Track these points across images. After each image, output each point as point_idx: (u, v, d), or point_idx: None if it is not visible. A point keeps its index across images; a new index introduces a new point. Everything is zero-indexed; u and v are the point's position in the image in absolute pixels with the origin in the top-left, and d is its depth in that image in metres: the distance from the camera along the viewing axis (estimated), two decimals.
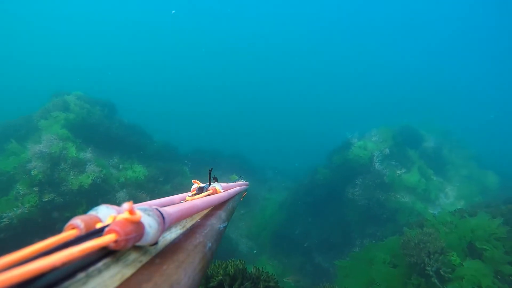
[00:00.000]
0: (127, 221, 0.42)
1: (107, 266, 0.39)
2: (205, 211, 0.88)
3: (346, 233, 9.62)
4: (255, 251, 10.14)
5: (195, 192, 1.03)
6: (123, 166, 8.91)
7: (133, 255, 0.45)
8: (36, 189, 7.28)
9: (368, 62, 53.59)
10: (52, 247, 0.36)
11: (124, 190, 7.87)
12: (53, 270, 0.33)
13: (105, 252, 0.41)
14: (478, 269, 4.50)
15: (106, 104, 10.65)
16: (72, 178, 7.55)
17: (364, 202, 9.40)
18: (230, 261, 2.96)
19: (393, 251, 5.38)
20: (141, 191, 8.19)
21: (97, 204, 0.50)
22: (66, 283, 0.33)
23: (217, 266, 2.95)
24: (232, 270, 2.80)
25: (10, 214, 6.77)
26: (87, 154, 8.05)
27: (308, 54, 54.35)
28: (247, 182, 2.05)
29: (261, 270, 3.10)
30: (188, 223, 0.70)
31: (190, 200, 0.80)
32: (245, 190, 1.93)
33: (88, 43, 49.83)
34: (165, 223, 0.49)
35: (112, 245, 0.40)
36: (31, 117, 9.21)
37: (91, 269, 0.37)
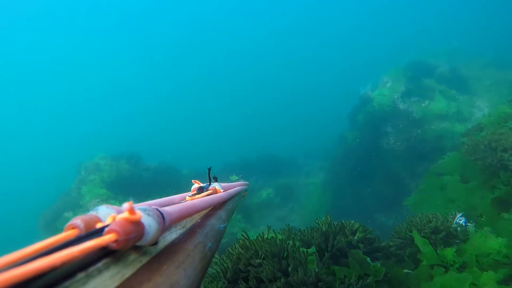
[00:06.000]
0: (127, 221, 0.42)
1: (107, 266, 0.39)
2: (205, 211, 0.87)
3: (397, 182, 9.45)
4: None
5: (195, 192, 1.02)
6: None
7: (133, 255, 0.44)
8: None
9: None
10: (52, 247, 0.36)
11: None
12: (53, 270, 0.33)
13: (105, 252, 0.41)
14: None
15: (131, 156, 11.33)
16: None
17: (403, 145, 9.26)
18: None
19: (457, 166, 5.22)
20: None
21: None
22: (66, 283, 0.33)
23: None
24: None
25: None
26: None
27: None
28: (247, 182, 2.06)
29: (359, 224, 3.39)
30: (188, 223, 0.69)
31: (190, 200, 0.80)
32: (245, 190, 1.92)
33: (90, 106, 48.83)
34: (165, 223, 0.49)
35: (112, 245, 0.40)
36: (71, 190, 9.76)
37: (91, 269, 0.37)
